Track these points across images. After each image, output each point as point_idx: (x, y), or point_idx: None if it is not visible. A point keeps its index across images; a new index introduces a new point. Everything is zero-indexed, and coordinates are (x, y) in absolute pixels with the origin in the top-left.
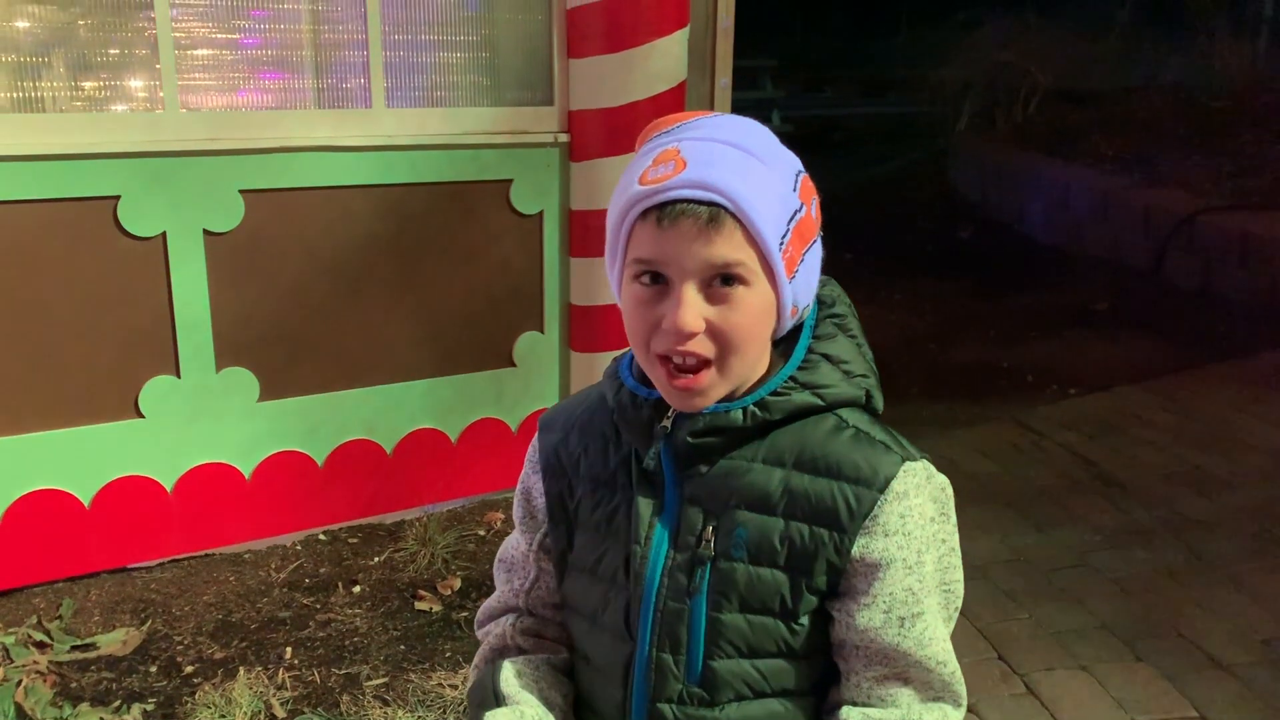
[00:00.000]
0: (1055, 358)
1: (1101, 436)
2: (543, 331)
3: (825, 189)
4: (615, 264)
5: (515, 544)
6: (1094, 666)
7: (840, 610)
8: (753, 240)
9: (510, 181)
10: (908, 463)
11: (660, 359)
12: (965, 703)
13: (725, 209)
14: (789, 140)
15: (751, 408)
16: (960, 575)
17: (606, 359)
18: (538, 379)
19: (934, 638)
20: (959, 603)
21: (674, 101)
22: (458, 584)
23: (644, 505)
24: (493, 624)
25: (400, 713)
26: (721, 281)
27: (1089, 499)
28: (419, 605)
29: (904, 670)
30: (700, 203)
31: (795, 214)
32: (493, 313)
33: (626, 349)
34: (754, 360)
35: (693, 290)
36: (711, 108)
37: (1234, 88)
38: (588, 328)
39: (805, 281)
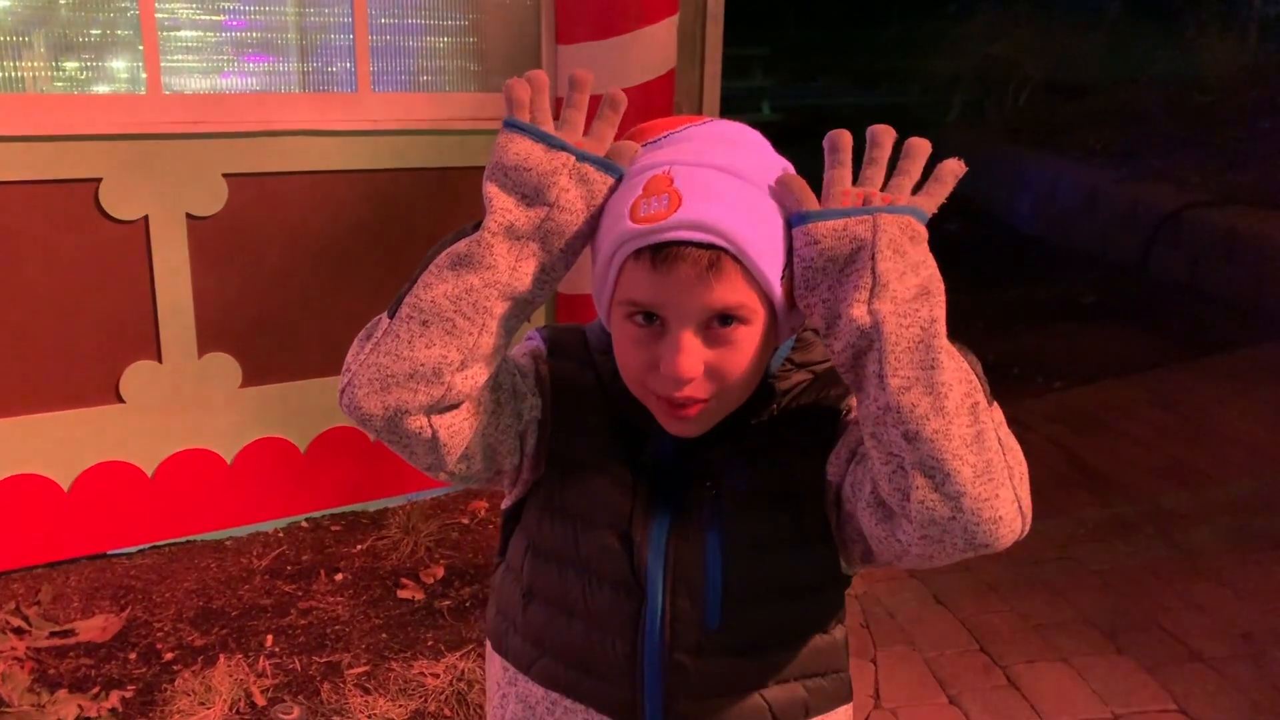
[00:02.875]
0: (1041, 351)
1: (1086, 430)
2: (529, 319)
3: (813, 181)
4: (603, 297)
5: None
6: (1075, 659)
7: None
8: (753, 280)
9: None
10: None
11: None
12: None
13: (725, 252)
14: (778, 130)
15: (755, 398)
16: None
17: None
18: None
19: None
20: None
21: (663, 89)
22: (441, 572)
23: (646, 460)
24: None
25: (381, 701)
26: (720, 323)
27: (1073, 492)
28: (401, 593)
29: None
30: (698, 245)
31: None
32: None
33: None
34: (752, 387)
35: (690, 335)
36: (701, 96)
37: (1223, 82)
38: (574, 316)
39: None
